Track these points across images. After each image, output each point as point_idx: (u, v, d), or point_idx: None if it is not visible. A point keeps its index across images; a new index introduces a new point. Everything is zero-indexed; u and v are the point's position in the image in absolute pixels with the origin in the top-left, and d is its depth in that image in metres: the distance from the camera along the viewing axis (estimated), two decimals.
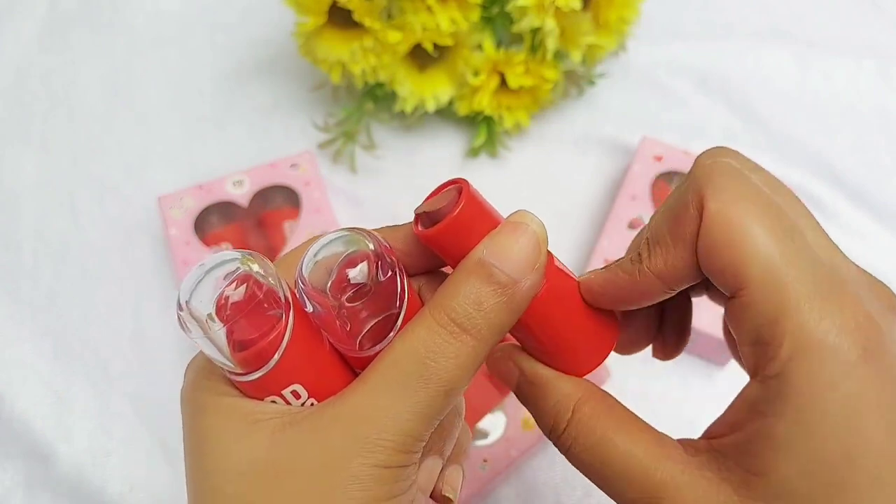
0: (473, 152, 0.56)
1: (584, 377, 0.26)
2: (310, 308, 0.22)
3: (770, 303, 0.20)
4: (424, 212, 0.23)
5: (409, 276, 0.24)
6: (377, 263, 0.21)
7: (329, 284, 0.21)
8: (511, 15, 0.51)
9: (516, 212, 0.23)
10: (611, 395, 0.25)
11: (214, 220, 0.50)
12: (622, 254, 0.49)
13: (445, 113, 0.57)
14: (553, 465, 0.44)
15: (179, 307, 0.21)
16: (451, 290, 0.22)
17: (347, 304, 0.21)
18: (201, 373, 0.23)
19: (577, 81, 0.57)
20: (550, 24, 0.49)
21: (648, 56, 0.61)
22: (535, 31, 0.51)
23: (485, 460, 0.42)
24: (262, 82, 0.60)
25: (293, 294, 0.22)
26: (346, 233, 0.22)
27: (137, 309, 0.50)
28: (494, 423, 0.43)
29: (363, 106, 0.55)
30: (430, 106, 0.53)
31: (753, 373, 0.21)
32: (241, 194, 0.51)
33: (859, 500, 0.19)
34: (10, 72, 0.61)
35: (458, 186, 0.23)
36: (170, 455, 0.45)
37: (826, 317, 0.20)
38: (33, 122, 0.58)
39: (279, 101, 0.59)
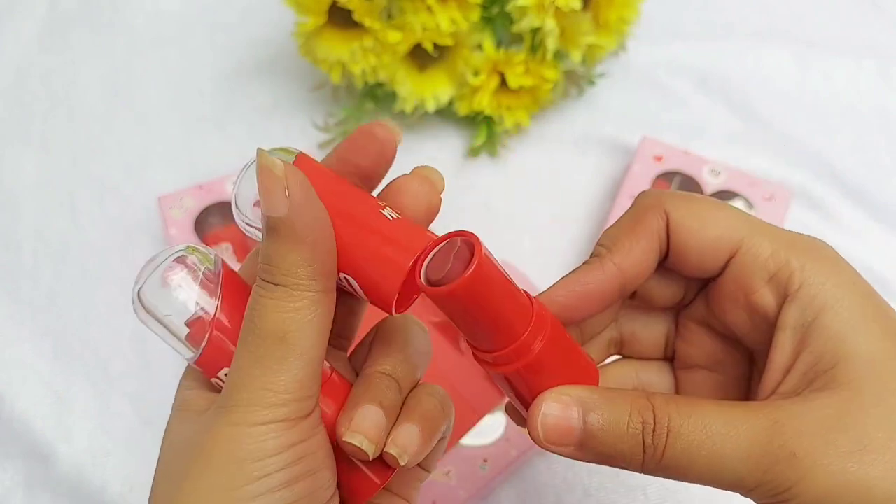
0: (473, 152, 0.56)
1: None
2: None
3: (770, 241, 0.25)
4: (430, 269, 0.22)
5: None
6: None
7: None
8: (511, 15, 0.51)
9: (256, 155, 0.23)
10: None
11: (214, 220, 0.50)
12: None
13: (445, 113, 0.57)
14: (553, 466, 0.44)
15: (133, 300, 0.24)
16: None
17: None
18: (184, 375, 0.26)
19: (577, 81, 0.57)
20: (550, 24, 0.49)
21: (648, 56, 0.61)
22: (535, 31, 0.51)
23: (485, 460, 0.42)
24: (262, 82, 0.60)
25: (227, 284, 0.24)
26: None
27: None
28: (494, 423, 0.43)
29: (363, 106, 0.55)
30: (430, 106, 0.53)
31: (781, 300, 0.25)
32: None
33: None
34: (10, 72, 0.61)
35: (469, 241, 0.22)
36: None
37: (817, 240, 0.25)
38: (33, 122, 0.58)
39: (279, 101, 0.59)
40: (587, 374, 0.25)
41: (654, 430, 0.23)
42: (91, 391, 0.47)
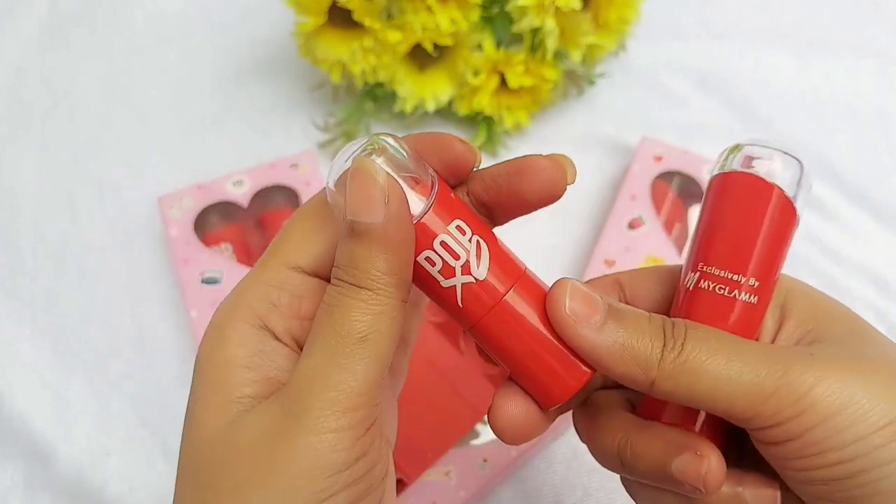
0: None
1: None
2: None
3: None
4: None
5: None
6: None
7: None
8: (511, 15, 0.51)
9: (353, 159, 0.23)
10: None
11: (214, 220, 0.50)
12: (622, 254, 0.49)
13: (445, 113, 0.57)
14: (553, 466, 0.44)
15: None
16: (336, 254, 0.23)
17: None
18: (216, 339, 0.24)
19: (577, 81, 0.57)
20: (550, 24, 0.49)
21: (648, 56, 0.61)
22: (535, 31, 0.51)
23: (485, 460, 0.42)
24: (262, 82, 0.60)
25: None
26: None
27: (137, 309, 0.50)
28: None
29: (363, 106, 0.55)
30: (430, 106, 0.53)
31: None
32: (241, 194, 0.51)
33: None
34: (10, 72, 0.61)
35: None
36: (170, 455, 0.45)
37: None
38: (33, 122, 0.58)
39: (279, 101, 0.59)
40: (569, 369, 0.24)
41: (673, 326, 0.24)
42: (91, 391, 0.47)
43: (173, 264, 0.49)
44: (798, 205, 0.25)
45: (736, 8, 0.65)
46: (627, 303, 0.27)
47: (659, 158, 0.52)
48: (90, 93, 0.60)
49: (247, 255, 0.49)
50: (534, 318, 0.24)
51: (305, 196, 0.51)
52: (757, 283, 0.24)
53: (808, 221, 0.53)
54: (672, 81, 0.60)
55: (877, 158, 0.56)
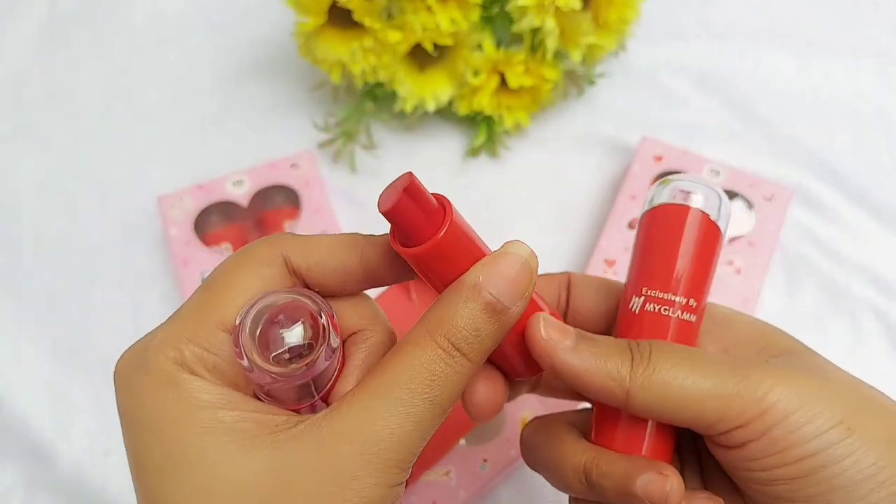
0: (473, 152, 0.56)
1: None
2: (244, 363, 0.22)
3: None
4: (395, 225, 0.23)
5: (381, 286, 0.25)
6: (316, 326, 0.22)
7: (257, 335, 0.22)
8: (511, 15, 0.51)
9: (511, 242, 0.24)
10: None
11: (214, 220, 0.50)
12: (622, 254, 0.49)
13: (445, 113, 0.57)
14: None
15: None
16: (450, 314, 0.22)
17: (282, 369, 0.22)
18: (157, 378, 0.23)
19: (577, 81, 0.57)
20: (550, 24, 0.49)
21: (648, 56, 0.61)
22: (535, 31, 0.51)
23: (485, 460, 0.42)
24: (262, 82, 0.60)
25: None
26: (292, 296, 0.22)
27: (137, 309, 0.50)
28: (494, 423, 0.43)
29: (363, 106, 0.55)
30: (430, 106, 0.53)
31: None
32: (241, 194, 0.51)
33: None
34: (10, 72, 0.61)
35: (441, 203, 0.23)
36: None
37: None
38: (33, 122, 0.59)
39: (279, 101, 0.59)
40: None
41: (638, 345, 0.25)
42: (91, 391, 0.47)
43: (173, 264, 0.49)
44: (721, 226, 0.28)
45: (736, 8, 0.65)
46: (570, 306, 0.29)
47: (659, 158, 0.52)
48: (90, 93, 0.60)
49: None
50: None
51: (305, 196, 0.51)
52: (695, 303, 0.27)
53: (808, 222, 0.53)
54: (672, 81, 0.60)
55: (877, 158, 0.56)
